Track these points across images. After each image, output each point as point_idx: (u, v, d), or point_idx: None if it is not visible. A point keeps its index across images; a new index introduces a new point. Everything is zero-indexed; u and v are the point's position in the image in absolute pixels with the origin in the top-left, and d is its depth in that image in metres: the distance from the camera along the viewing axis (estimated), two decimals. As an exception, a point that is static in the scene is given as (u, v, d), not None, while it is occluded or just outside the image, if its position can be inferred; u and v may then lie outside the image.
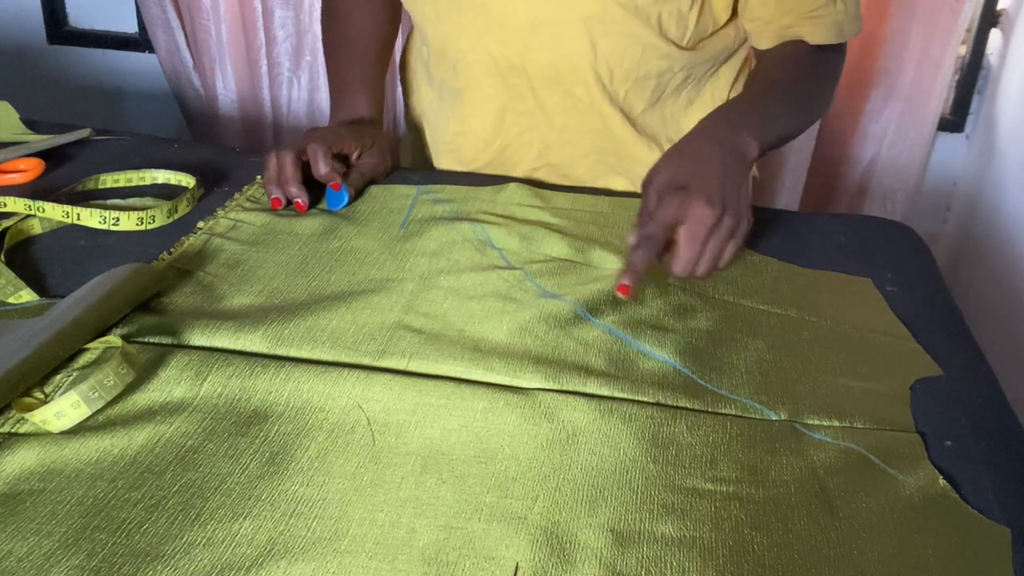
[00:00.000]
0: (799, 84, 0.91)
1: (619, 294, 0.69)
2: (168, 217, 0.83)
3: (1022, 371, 1.32)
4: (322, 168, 0.86)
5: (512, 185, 0.92)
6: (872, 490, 0.58)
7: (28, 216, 0.81)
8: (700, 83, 0.98)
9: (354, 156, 0.92)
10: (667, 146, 0.97)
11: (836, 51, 0.96)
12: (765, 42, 0.93)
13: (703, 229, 0.72)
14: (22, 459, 0.55)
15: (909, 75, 1.61)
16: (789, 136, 0.92)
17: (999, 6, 1.65)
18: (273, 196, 0.86)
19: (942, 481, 0.59)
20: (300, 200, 0.86)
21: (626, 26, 0.90)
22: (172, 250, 0.79)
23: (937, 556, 0.54)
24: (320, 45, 1.68)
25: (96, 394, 0.59)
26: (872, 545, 0.54)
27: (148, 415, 0.59)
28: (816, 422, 0.63)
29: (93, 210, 0.81)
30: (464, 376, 0.65)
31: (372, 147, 0.94)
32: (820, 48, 0.92)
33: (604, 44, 0.91)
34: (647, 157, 0.97)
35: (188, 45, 1.71)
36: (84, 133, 0.99)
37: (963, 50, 1.67)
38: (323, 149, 0.87)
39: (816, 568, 0.52)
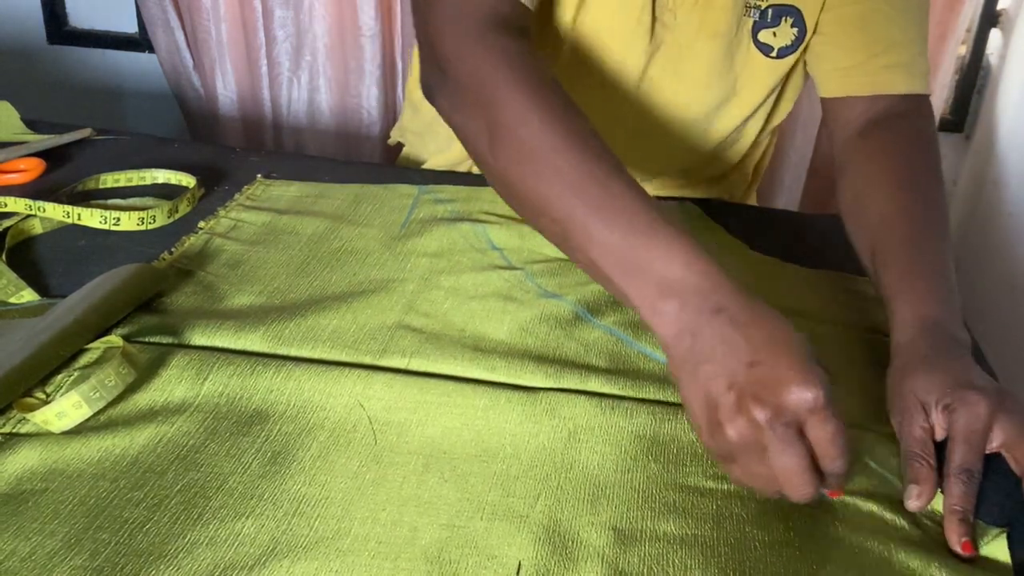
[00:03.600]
0: (936, 201, 0.77)
1: (966, 552, 0.54)
2: (168, 217, 0.83)
3: (1022, 371, 1.32)
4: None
5: (513, 185, 0.92)
6: (873, 489, 0.58)
7: (28, 216, 0.81)
8: None
9: None
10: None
11: (931, 117, 0.87)
12: (844, 89, 0.88)
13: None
14: (24, 459, 0.55)
15: (909, 75, 1.61)
16: None
17: (999, 6, 1.64)
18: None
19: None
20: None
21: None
22: (173, 250, 0.79)
23: (937, 556, 0.54)
24: (320, 45, 1.68)
25: (97, 394, 0.59)
26: (873, 544, 0.54)
27: (149, 415, 0.59)
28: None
29: (94, 210, 0.81)
30: (465, 375, 0.65)
31: None
32: (917, 121, 0.85)
33: (716, 128, 0.93)
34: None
35: (188, 45, 1.70)
36: (84, 133, 0.99)
37: (963, 50, 1.67)
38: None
39: (817, 566, 0.52)
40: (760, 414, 0.52)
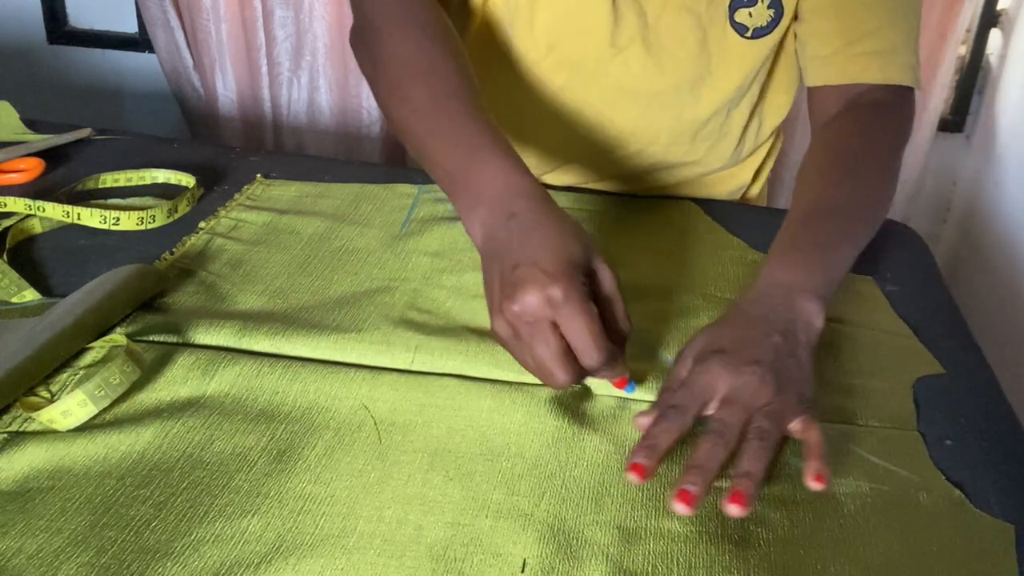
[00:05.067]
0: (862, 190, 0.76)
1: (632, 475, 0.54)
2: (168, 217, 0.84)
3: (1022, 371, 1.32)
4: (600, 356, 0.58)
5: (514, 184, 0.92)
6: (874, 487, 0.58)
7: (28, 216, 0.81)
8: None
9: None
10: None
11: (905, 111, 0.84)
12: (820, 78, 0.87)
13: (743, 399, 0.58)
14: (31, 457, 0.55)
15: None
16: (851, 262, 0.73)
17: (999, 6, 1.65)
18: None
19: (944, 480, 0.59)
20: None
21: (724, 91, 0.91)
22: (174, 250, 0.79)
23: (941, 553, 0.54)
24: (320, 45, 1.68)
25: (102, 392, 0.59)
26: (876, 541, 0.54)
27: (155, 413, 0.60)
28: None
29: (93, 210, 0.81)
30: (469, 373, 0.65)
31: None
32: (885, 112, 0.83)
33: (692, 110, 0.92)
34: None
35: (188, 45, 1.71)
36: (84, 133, 0.99)
37: (963, 50, 1.67)
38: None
39: (821, 563, 0.52)
40: (510, 311, 0.58)
